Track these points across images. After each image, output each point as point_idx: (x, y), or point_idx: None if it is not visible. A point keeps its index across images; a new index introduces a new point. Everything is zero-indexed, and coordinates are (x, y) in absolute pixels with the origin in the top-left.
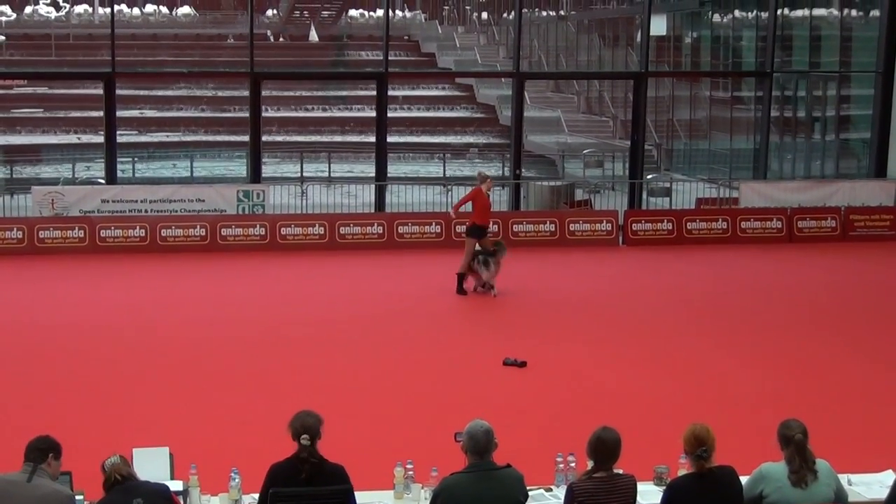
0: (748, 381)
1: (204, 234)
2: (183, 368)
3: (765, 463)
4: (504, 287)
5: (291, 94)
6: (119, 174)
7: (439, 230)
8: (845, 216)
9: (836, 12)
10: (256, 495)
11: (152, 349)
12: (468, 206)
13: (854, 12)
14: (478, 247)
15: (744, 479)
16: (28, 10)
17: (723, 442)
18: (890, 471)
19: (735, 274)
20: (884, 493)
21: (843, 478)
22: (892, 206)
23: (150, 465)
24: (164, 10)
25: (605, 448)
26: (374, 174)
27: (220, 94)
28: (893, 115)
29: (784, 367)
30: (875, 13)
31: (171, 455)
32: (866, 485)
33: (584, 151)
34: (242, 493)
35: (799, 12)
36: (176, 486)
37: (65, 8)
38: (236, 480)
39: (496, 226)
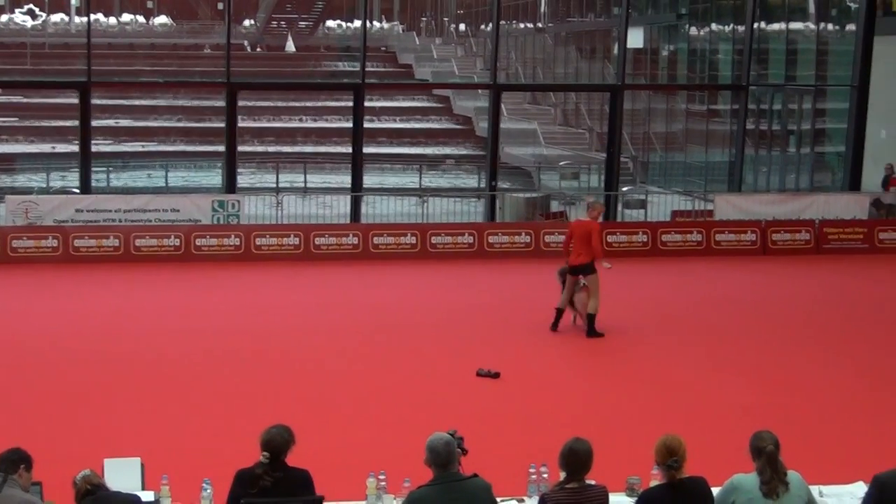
0: (721, 393)
1: (178, 244)
2: (155, 379)
3: (736, 474)
4: (479, 299)
5: (268, 104)
6: (93, 184)
7: (415, 241)
8: (819, 229)
9: (812, 26)
10: None
11: (125, 359)
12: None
13: (830, 26)
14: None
15: (715, 491)
16: (3, 18)
17: (695, 453)
18: (861, 482)
19: (709, 286)
20: None
21: (815, 489)
22: (865, 219)
23: (122, 475)
24: (141, 19)
25: (577, 459)
26: (350, 185)
27: (196, 103)
28: (868, 129)
29: (757, 378)
30: (851, 27)
31: (142, 465)
32: (837, 496)
33: (561, 163)
34: None
35: (775, 26)
36: (147, 496)
37: (41, 17)
38: (208, 491)
39: (472, 236)
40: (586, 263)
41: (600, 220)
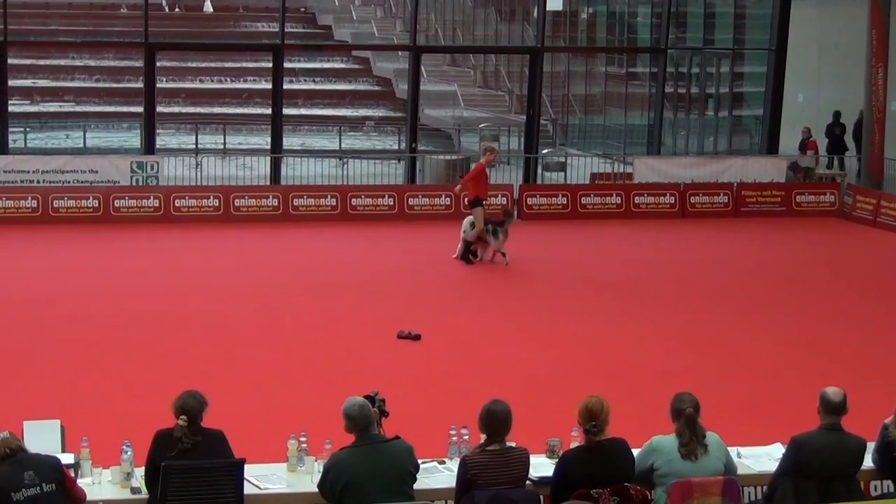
0: (641, 355)
1: (97, 205)
2: (74, 341)
3: (656, 436)
4: (399, 261)
5: (186, 65)
6: (11, 144)
7: (335, 203)
8: (737, 192)
9: None
10: None
11: (43, 321)
12: None
13: None
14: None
15: (636, 452)
16: None
17: (617, 414)
18: (778, 444)
19: (628, 249)
20: (772, 466)
21: (733, 451)
22: (782, 182)
23: (41, 438)
24: None
25: (495, 420)
26: (269, 146)
27: (115, 64)
28: (785, 93)
29: (676, 341)
30: None
31: (62, 428)
32: (755, 457)
33: (480, 125)
34: (134, 466)
35: None
36: (67, 458)
37: None
38: (128, 453)
39: (392, 198)
40: (472, 199)
41: (492, 164)
